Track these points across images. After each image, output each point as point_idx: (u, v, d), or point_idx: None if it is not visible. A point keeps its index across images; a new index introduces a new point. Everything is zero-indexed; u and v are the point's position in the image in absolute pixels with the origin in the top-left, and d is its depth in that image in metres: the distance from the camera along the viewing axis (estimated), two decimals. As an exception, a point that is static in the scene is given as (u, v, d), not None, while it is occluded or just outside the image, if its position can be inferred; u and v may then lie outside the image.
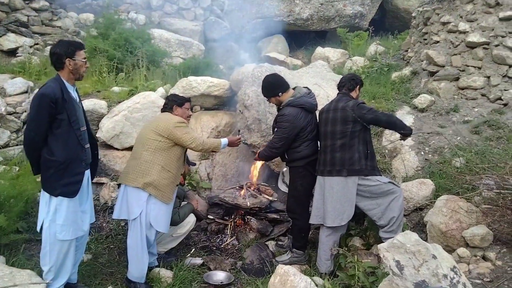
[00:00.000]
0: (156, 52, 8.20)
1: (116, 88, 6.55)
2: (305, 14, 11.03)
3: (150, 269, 4.11)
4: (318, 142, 4.30)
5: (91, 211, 3.62)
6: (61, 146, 3.20)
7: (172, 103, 4.12)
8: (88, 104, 5.79)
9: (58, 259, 3.32)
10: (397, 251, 2.80)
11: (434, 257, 2.73)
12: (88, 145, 3.47)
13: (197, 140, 3.89)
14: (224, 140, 4.15)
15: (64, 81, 3.27)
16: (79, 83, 6.70)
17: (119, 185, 4.04)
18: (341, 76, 7.16)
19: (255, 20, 11.40)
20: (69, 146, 3.24)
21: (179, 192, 4.47)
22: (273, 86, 4.26)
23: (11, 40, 8.01)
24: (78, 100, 3.43)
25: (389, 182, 4.04)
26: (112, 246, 4.70)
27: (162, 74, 7.58)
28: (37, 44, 8.43)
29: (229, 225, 5.27)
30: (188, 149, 4.07)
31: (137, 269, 3.85)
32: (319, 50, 9.74)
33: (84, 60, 3.34)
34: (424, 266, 2.68)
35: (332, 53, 9.45)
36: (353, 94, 4.24)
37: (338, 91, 4.36)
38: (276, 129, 4.21)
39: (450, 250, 3.66)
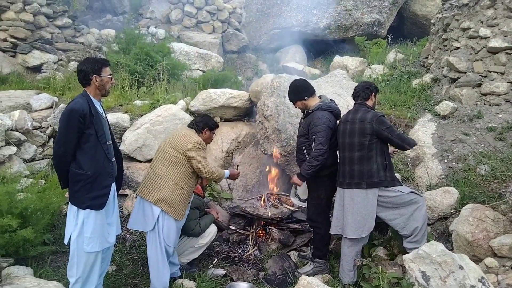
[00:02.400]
0: (176, 66, 8.34)
1: (138, 102, 6.69)
2: (322, 24, 11.06)
3: (173, 279, 4.15)
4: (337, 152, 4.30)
5: (117, 223, 3.69)
6: (89, 160, 3.29)
7: (206, 126, 4.18)
8: (111, 118, 5.91)
9: (85, 270, 3.38)
10: (423, 262, 2.76)
11: (461, 267, 2.68)
12: (114, 159, 3.56)
13: (208, 167, 3.95)
14: (227, 172, 4.24)
15: (91, 97, 3.38)
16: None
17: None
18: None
19: (273, 31, 11.49)
20: (96, 160, 3.33)
21: (198, 203, 4.51)
22: (300, 90, 4.30)
23: (36, 57, 8.30)
24: (104, 115, 3.53)
25: (411, 192, 3.99)
26: (136, 257, 4.76)
27: (182, 87, 7.70)
28: (60, 60, 8.71)
29: (251, 236, 5.27)
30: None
31: (158, 280, 3.89)
32: (338, 58, 9.73)
33: (110, 76, 3.45)
34: (451, 277, 2.64)
35: (351, 61, 9.42)
36: (369, 102, 4.19)
37: (354, 102, 4.35)
38: (313, 137, 4.08)
39: (477, 260, 3.57)
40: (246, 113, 6.66)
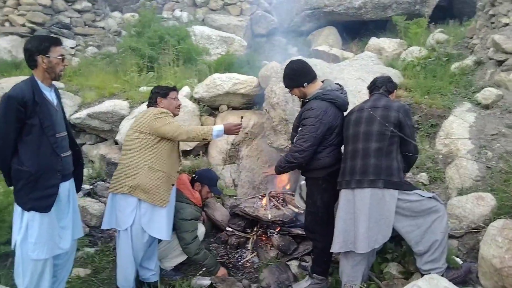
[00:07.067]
0: (192, 50, 7.82)
1: (143, 88, 6.25)
2: (357, 3, 10.05)
3: (148, 284, 3.75)
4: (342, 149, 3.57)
5: (75, 226, 3.24)
6: (31, 154, 2.86)
7: (156, 95, 3.71)
8: (108, 105, 5.54)
9: (32, 280, 2.97)
10: (419, 303, 2.05)
11: (472, 315, 1.95)
12: (67, 153, 3.10)
13: (181, 128, 3.44)
14: (218, 127, 3.56)
15: (38, 82, 2.93)
16: (108, 82, 6.52)
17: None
18: (390, 68, 6.34)
19: (304, 12, 10.65)
20: (41, 155, 2.88)
21: (195, 214, 3.98)
22: (297, 74, 3.51)
23: (52, 43, 8.08)
24: (56, 102, 3.06)
25: (432, 197, 3.25)
26: (118, 260, 4.32)
27: (195, 72, 7.17)
28: (78, 45, 8.47)
29: (251, 239, 4.69)
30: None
31: (122, 277, 3.61)
32: (373, 41, 8.77)
33: (60, 57, 2.97)
34: (456, 328, 1.92)
35: (388, 43, 8.45)
36: (391, 97, 3.54)
37: (371, 93, 3.65)
38: (300, 128, 3.43)
39: (508, 292, 2.79)
40: (256, 101, 6.01)
